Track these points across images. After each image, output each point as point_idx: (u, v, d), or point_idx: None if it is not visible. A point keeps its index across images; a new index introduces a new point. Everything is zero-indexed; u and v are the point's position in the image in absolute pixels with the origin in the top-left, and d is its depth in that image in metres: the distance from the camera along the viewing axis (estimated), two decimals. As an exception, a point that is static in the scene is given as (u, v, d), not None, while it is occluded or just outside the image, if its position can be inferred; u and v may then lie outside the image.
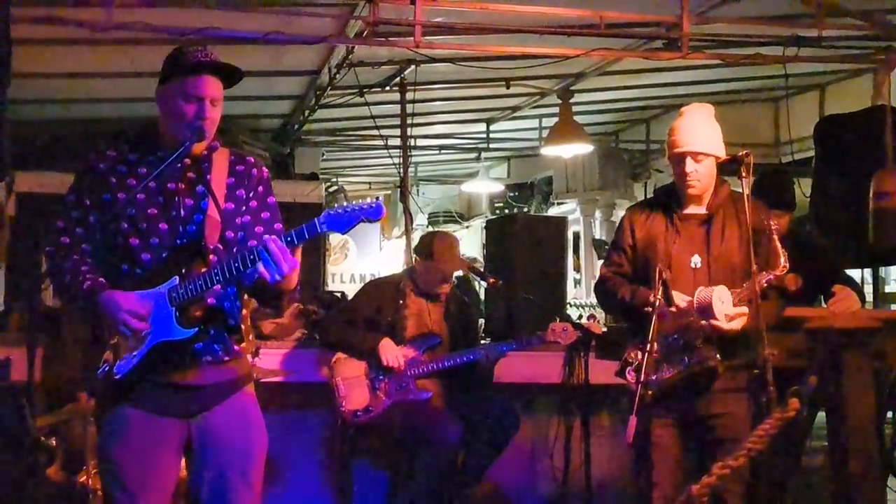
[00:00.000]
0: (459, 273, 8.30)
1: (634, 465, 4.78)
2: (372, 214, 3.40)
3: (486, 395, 6.19)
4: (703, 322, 4.45)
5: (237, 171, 3.77)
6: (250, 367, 3.93)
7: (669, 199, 4.81)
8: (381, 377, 6.00)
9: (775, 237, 4.44)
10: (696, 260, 4.67)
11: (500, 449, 6.07)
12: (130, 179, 3.64)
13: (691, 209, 4.76)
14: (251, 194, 3.77)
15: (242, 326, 3.81)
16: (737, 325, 4.44)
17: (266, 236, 3.45)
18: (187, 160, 3.67)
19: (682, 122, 4.77)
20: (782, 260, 4.44)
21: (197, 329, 3.58)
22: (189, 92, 3.58)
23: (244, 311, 3.87)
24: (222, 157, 3.76)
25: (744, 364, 4.60)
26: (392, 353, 5.97)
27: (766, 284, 4.43)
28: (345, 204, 3.45)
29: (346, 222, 3.39)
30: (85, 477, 5.18)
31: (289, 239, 3.42)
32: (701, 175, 4.67)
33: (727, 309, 4.42)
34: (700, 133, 4.69)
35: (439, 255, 6.14)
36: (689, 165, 4.66)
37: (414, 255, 6.39)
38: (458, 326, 6.30)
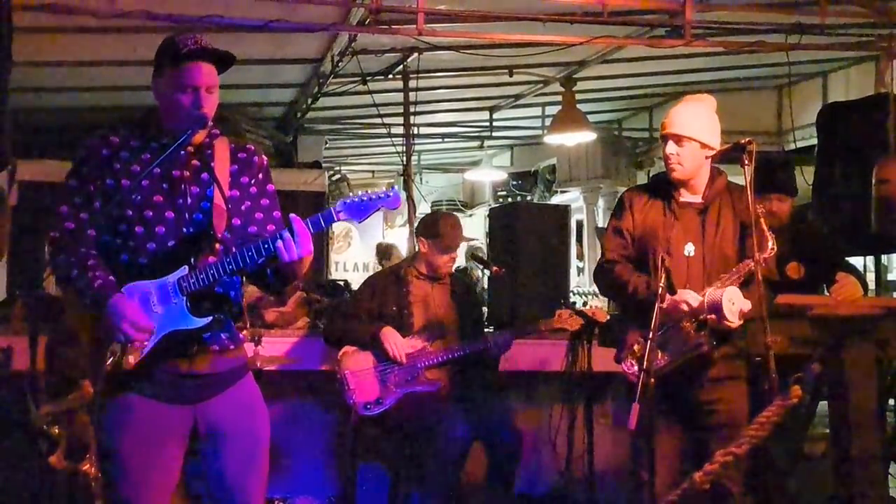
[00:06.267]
0: (461, 265, 8.30)
1: (633, 453, 4.78)
2: (390, 204, 3.43)
3: (487, 410, 6.11)
4: (713, 319, 4.46)
5: (239, 159, 3.77)
6: (247, 354, 3.94)
7: (668, 186, 4.81)
8: (389, 368, 5.94)
9: (763, 221, 4.44)
10: (689, 248, 4.68)
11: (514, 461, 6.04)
12: (134, 165, 3.62)
13: (688, 197, 4.77)
14: (252, 181, 3.78)
15: (244, 313, 3.82)
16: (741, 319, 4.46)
17: (291, 215, 3.44)
18: (190, 148, 3.67)
19: (674, 108, 4.82)
20: (770, 243, 4.44)
21: (210, 318, 3.58)
22: (184, 82, 3.57)
23: (244, 297, 3.88)
24: (223, 146, 3.76)
25: (739, 351, 4.63)
26: (394, 340, 5.92)
27: (754, 267, 4.42)
28: (360, 193, 3.45)
29: (363, 210, 3.41)
30: (88, 465, 5.18)
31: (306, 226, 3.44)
32: (682, 159, 4.69)
33: (739, 307, 4.42)
34: (685, 117, 4.72)
35: (445, 231, 6.09)
36: (670, 147, 4.71)
37: (417, 237, 6.32)
38: (464, 308, 6.24)
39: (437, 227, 6.12)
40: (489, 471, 6.01)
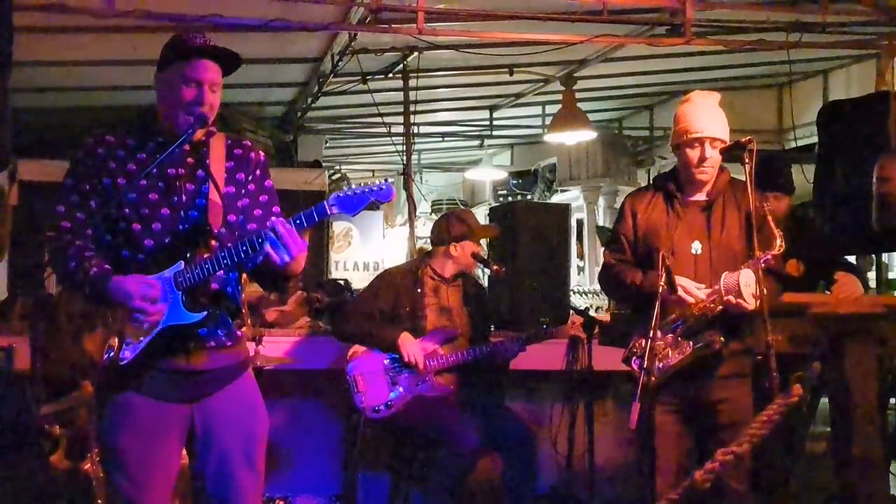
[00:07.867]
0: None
1: (638, 452, 4.78)
2: (382, 196, 3.40)
3: (498, 416, 6.04)
4: (729, 301, 4.45)
5: (235, 155, 3.77)
6: (248, 352, 3.93)
7: (670, 186, 4.80)
8: (400, 371, 5.86)
9: (770, 219, 4.44)
10: (696, 246, 4.67)
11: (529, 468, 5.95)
12: (130, 164, 3.63)
13: (692, 196, 4.75)
14: (250, 177, 3.77)
15: (242, 311, 3.81)
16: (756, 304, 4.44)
17: (273, 219, 3.44)
18: (186, 145, 3.66)
19: (693, 108, 4.75)
20: (778, 241, 4.43)
21: (205, 313, 3.58)
22: (189, 76, 3.58)
23: (242, 296, 3.87)
24: (219, 142, 3.76)
25: (748, 348, 4.61)
26: (412, 347, 5.83)
27: (764, 265, 4.41)
28: (353, 186, 3.44)
29: (355, 203, 3.39)
30: (89, 464, 5.19)
31: (298, 221, 3.42)
32: (714, 161, 4.67)
33: (753, 290, 4.41)
34: (715, 119, 4.68)
35: (476, 227, 6.09)
36: (708, 151, 4.65)
37: (449, 245, 6.06)
38: (476, 311, 6.19)
39: (469, 225, 6.06)
40: (507, 474, 5.91)
